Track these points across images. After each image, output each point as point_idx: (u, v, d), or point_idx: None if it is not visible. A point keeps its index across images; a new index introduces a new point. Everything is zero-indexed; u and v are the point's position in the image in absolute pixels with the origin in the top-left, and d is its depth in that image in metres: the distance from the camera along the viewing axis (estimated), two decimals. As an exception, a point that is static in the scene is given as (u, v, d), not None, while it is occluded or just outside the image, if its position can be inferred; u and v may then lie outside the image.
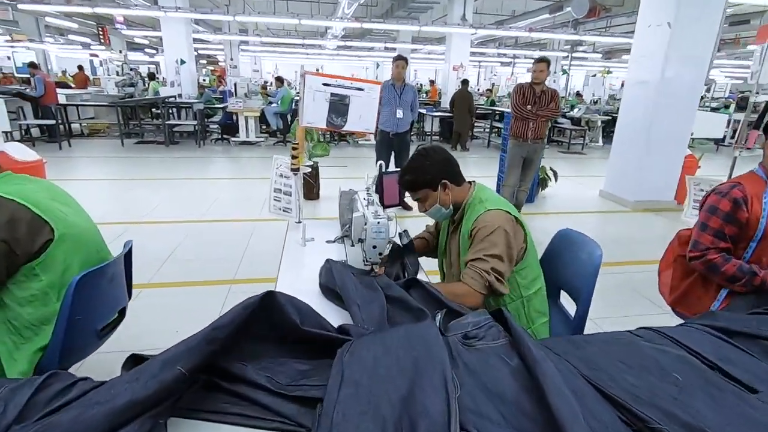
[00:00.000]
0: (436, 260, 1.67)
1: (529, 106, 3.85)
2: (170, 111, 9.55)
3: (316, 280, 1.38)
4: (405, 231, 1.43)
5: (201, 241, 3.62)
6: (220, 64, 21.57)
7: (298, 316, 0.88)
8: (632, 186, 5.06)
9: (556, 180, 5.26)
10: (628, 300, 2.89)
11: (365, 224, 1.33)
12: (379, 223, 1.30)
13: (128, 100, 8.96)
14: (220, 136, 8.89)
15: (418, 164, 1.39)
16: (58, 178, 5.40)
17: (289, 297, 0.92)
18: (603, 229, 4.49)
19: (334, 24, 11.25)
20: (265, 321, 0.89)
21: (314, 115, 1.70)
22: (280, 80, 9.23)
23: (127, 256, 1.49)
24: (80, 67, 12.22)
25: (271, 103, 8.96)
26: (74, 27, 14.07)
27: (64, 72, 15.41)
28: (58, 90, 9.31)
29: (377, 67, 16.62)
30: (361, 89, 1.72)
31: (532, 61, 4.05)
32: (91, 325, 1.28)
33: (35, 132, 8.14)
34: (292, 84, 13.14)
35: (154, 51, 20.01)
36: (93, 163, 6.62)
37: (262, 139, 8.70)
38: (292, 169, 1.66)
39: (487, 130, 10.19)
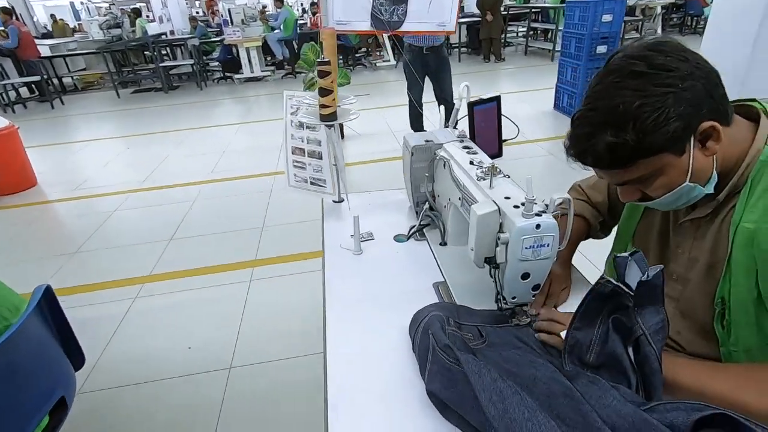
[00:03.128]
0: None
1: None
2: (163, 52, 8.55)
3: (403, 344, 0.70)
4: (636, 252, 0.55)
5: (212, 207, 2.99)
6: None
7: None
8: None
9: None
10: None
11: (500, 230, 0.61)
12: (538, 227, 0.58)
13: (115, 43, 7.99)
14: (222, 75, 7.95)
15: (642, 94, 0.51)
16: (48, 143, 4.78)
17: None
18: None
19: None
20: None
21: (348, 7, 0.91)
22: (280, 0, 7.95)
23: (50, 306, 0.83)
24: (53, 17, 10.88)
25: (273, 29, 7.82)
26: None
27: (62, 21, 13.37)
28: (41, 41, 8.42)
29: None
30: (429, -56, 0.90)
31: None
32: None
33: (24, 92, 7.42)
34: (293, 4, 11.57)
35: (140, -14, 18.17)
36: (86, 121, 5.92)
37: (269, 73, 7.71)
38: (321, 118, 0.88)
39: (522, 34, 8.76)
